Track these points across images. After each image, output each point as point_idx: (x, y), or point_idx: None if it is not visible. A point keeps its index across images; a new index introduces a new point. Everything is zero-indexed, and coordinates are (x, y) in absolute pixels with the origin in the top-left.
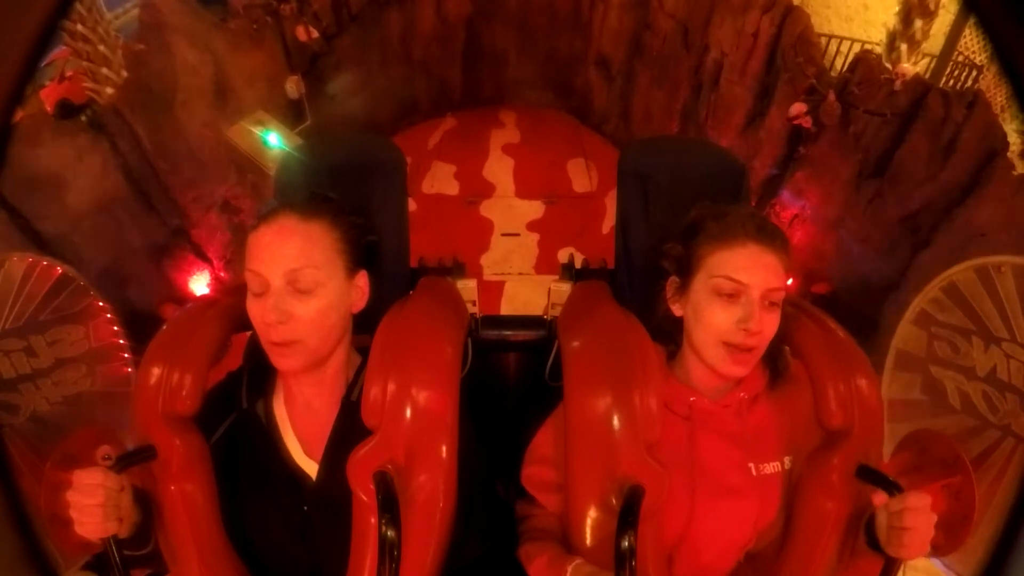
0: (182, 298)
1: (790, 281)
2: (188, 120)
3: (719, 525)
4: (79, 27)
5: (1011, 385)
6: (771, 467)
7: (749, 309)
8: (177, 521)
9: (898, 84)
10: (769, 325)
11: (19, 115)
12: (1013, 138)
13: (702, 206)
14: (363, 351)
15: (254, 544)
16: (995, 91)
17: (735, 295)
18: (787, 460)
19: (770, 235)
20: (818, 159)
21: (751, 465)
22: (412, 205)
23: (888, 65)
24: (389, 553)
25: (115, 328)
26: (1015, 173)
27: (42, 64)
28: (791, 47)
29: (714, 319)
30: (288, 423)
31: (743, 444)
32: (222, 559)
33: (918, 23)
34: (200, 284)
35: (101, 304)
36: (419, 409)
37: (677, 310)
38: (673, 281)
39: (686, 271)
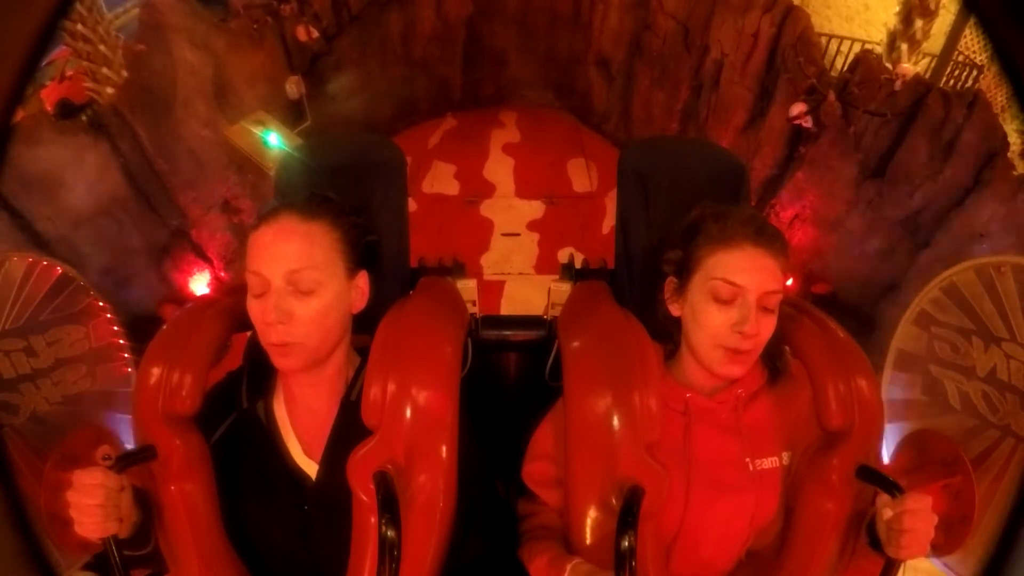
0: (182, 298)
1: (789, 282)
2: (188, 120)
3: (716, 519)
4: (79, 27)
5: (1011, 385)
6: (768, 462)
7: (745, 312)
8: (177, 521)
9: (898, 84)
10: (765, 328)
11: (19, 115)
12: (1013, 138)
13: (703, 206)
14: (363, 351)
15: (254, 544)
16: (995, 91)
17: (732, 297)
18: (785, 456)
19: (769, 237)
20: (818, 159)
21: (747, 460)
22: (412, 205)
23: (888, 65)
24: (389, 553)
25: (115, 328)
26: (1015, 173)
27: (42, 64)
28: (791, 47)
29: (710, 321)
30: (288, 423)
31: (739, 438)
32: (222, 559)
33: (918, 23)
34: (200, 284)
35: (101, 304)
36: (419, 409)
37: (675, 310)
38: (671, 282)
39: (684, 272)
